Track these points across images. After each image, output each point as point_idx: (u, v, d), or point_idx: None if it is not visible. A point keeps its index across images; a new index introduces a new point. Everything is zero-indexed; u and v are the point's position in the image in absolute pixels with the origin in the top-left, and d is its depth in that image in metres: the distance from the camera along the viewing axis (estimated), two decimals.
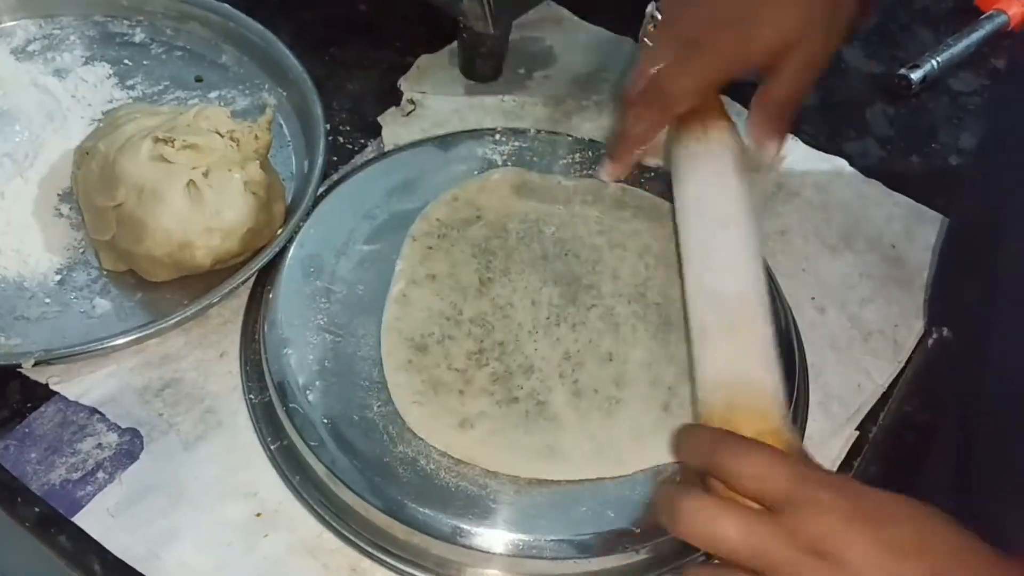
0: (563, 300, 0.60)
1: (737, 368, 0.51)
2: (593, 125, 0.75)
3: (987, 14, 0.87)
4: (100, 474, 0.54)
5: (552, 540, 0.52)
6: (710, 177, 0.59)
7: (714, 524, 0.42)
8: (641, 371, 0.58)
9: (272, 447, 0.56)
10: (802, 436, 0.59)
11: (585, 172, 0.68)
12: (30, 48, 0.74)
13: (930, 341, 0.62)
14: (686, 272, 0.56)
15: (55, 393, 0.57)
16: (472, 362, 0.57)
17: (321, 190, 0.65)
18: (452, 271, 0.61)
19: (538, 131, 0.71)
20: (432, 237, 0.63)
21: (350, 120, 0.73)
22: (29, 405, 0.56)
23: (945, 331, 0.59)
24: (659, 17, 0.63)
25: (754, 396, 0.50)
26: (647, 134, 0.63)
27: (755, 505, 0.43)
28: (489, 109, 0.75)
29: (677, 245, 0.59)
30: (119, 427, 0.56)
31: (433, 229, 0.63)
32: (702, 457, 0.46)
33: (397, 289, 0.60)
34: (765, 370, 0.51)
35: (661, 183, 0.67)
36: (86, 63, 0.73)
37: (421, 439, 0.54)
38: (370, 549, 0.52)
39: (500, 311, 0.60)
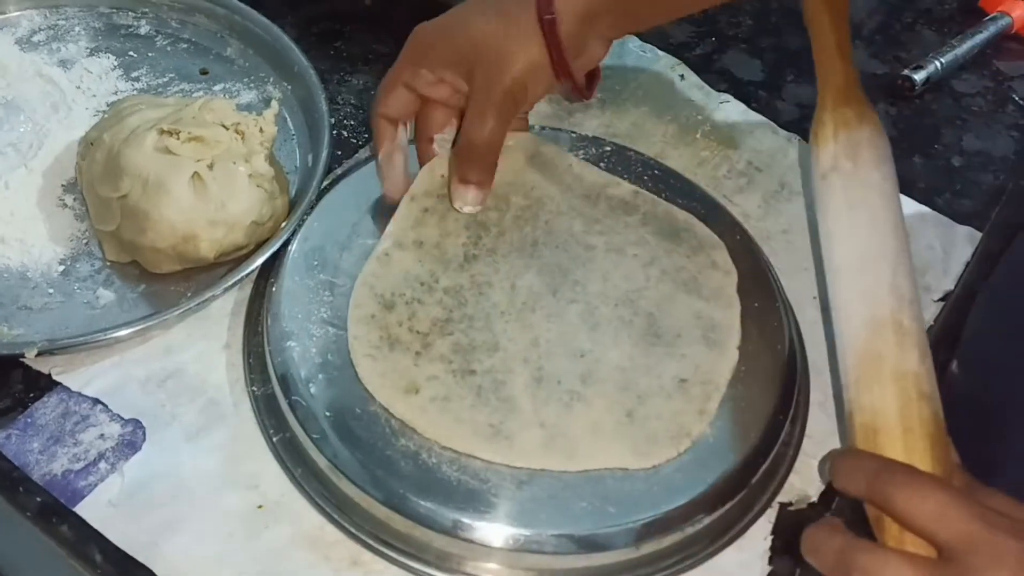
0: (544, 289, 0.60)
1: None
2: (596, 122, 0.75)
3: (991, 16, 0.87)
4: (102, 464, 0.54)
5: (553, 535, 0.52)
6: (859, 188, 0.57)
7: None
8: (613, 373, 0.57)
9: (274, 439, 0.56)
10: (802, 436, 0.59)
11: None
12: (35, 38, 0.74)
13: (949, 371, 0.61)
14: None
15: (58, 383, 0.57)
16: (436, 329, 0.57)
17: (325, 184, 0.65)
18: (440, 240, 0.61)
19: (541, 127, 0.71)
20: (431, 197, 0.63)
21: (355, 114, 0.73)
22: (31, 395, 0.56)
23: (954, 365, 0.59)
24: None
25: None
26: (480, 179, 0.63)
27: (923, 544, 0.43)
28: None
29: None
30: (121, 418, 0.56)
31: (434, 188, 0.63)
32: (869, 488, 0.44)
33: (381, 248, 0.60)
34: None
35: (675, 191, 0.67)
36: (91, 54, 0.73)
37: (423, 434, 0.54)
38: (371, 542, 0.52)
39: (477, 288, 0.59)
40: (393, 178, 0.64)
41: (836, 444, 0.59)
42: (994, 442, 0.56)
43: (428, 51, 0.62)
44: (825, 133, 0.59)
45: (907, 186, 0.74)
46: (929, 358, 0.52)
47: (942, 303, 0.67)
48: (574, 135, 0.70)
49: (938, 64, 0.82)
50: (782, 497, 0.57)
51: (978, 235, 0.71)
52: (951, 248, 0.71)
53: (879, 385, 0.50)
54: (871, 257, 0.54)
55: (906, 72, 0.81)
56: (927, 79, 0.81)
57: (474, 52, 0.60)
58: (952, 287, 0.68)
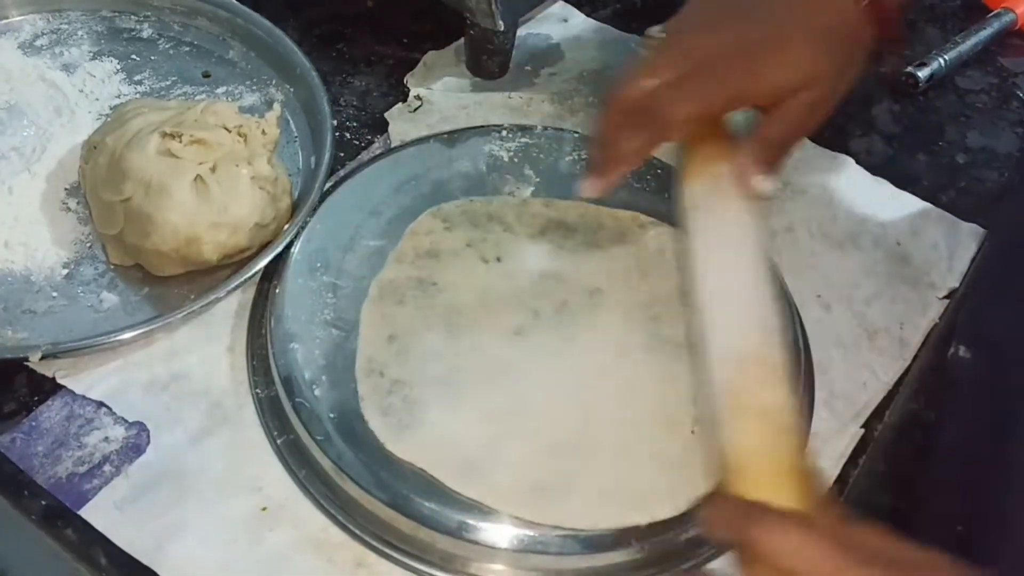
0: (550, 336, 0.59)
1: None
2: None
3: (995, 12, 0.87)
4: (106, 467, 0.54)
5: (558, 535, 0.52)
6: (723, 224, 0.56)
7: None
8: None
9: (278, 441, 0.56)
10: (808, 434, 0.59)
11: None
12: (38, 43, 0.74)
13: (949, 353, 0.61)
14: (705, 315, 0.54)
15: (62, 387, 0.57)
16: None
17: (328, 186, 0.65)
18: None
19: (544, 128, 0.71)
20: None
21: (357, 116, 0.73)
22: (36, 398, 0.57)
23: (963, 349, 0.58)
24: (661, 36, 0.59)
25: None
26: (637, 155, 0.57)
27: None
28: (496, 106, 0.75)
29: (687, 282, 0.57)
30: (126, 421, 0.56)
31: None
32: (733, 533, 0.44)
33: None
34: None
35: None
36: (93, 58, 0.73)
37: None
38: (376, 543, 0.52)
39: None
40: (612, 179, 0.58)
41: (841, 442, 0.59)
42: (1009, 420, 0.56)
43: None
44: (690, 169, 0.58)
45: (911, 183, 0.74)
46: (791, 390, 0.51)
47: (947, 301, 0.67)
48: (577, 135, 0.70)
49: (942, 61, 0.81)
50: None
51: (983, 232, 0.71)
52: (956, 246, 0.70)
53: (744, 422, 0.50)
54: (735, 292, 0.54)
55: (910, 69, 0.81)
56: (931, 76, 0.81)
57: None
58: (957, 284, 0.68)
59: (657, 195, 0.67)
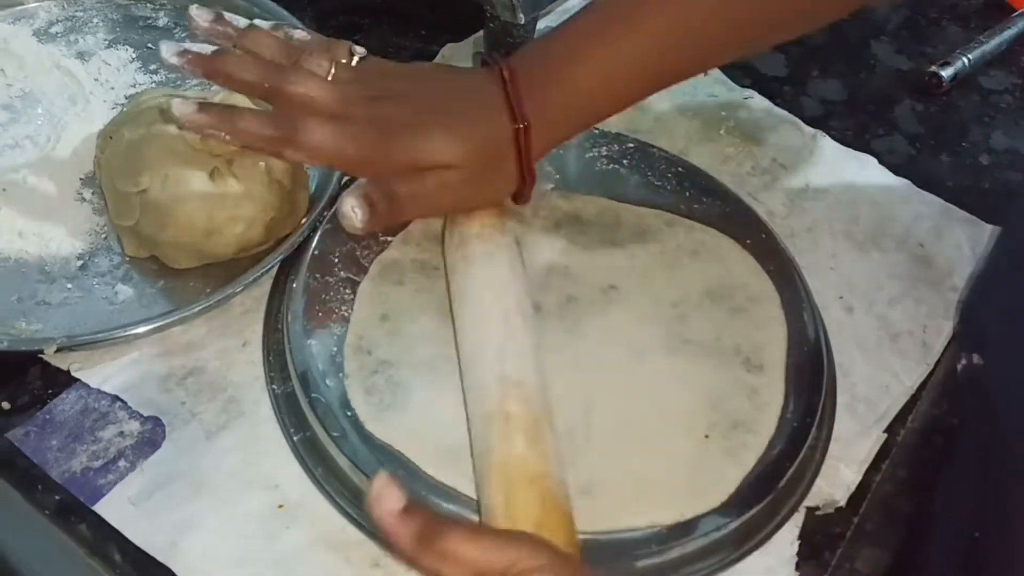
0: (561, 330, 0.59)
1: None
2: (618, 118, 0.73)
3: (1019, 12, 0.86)
4: (121, 462, 0.53)
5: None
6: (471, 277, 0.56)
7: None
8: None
9: (295, 438, 0.55)
10: (828, 439, 0.58)
11: (611, 166, 0.67)
12: (52, 30, 0.73)
13: (959, 366, 0.60)
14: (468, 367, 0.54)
15: (76, 380, 0.56)
16: None
17: (345, 179, 0.65)
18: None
19: None
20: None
21: None
22: (50, 392, 0.56)
23: (975, 357, 0.58)
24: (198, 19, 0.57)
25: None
26: (245, 140, 0.55)
27: None
28: None
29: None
30: (141, 415, 0.55)
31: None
32: (412, 549, 0.42)
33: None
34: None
35: (699, 189, 0.66)
36: (109, 46, 0.73)
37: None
38: None
39: None
40: None
41: (863, 447, 0.59)
42: (1014, 427, 0.55)
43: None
44: (448, 235, 0.59)
45: (934, 184, 0.73)
46: (544, 438, 0.50)
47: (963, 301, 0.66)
48: (596, 131, 0.69)
49: (965, 60, 0.81)
50: (809, 502, 0.56)
51: None
52: (978, 247, 0.70)
53: (488, 480, 0.49)
54: (477, 353, 0.54)
55: (933, 68, 0.80)
56: (954, 76, 0.80)
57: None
58: None
59: (679, 194, 0.66)
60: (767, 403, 0.57)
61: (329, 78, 0.54)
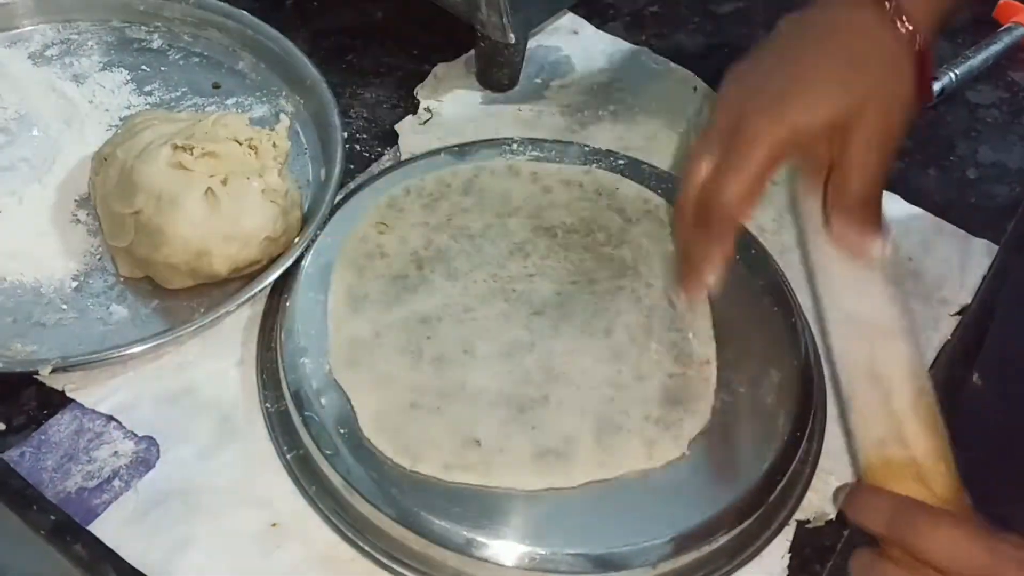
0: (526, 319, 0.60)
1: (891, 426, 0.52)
2: (610, 135, 0.74)
3: (1005, 27, 0.87)
4: (116, 482, 0.54)
5: (568, 554, 0.51)
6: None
7: None
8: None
9: (288, 456, 0.55)
10: (819, 452, 0.59)
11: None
12: (48, 53, 0.74)
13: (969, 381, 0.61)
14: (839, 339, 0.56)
15: (71, 400, 0.57)
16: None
17: (338, 198, 0.65)
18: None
19: (555, 140, 0.71)
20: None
21: (367, 128, 0.73)
22: (45, 412, 0.56)
23: (976, 377, 0.58)
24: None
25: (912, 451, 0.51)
26: (714, 257, 0.54)
27: None
28: (506, 118, 0.75)
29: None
30: (135, 435, 0.56)
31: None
32: (885, 526, 0.46)
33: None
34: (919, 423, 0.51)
35: None
36: (104, 68, 0.73)
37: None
38: (386, 560, 0.52)
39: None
40: (701, 289, 0.56)
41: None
42: (1017, 446, 0.56)
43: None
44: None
45: (922, 198, 0.74)
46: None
47: (959, 317, 0.67)
48: (587, 148, 0.70)
49: (952, 75, 0.81)
50: (800, 515, 0.56)
51: (995, 248, 0.71)
52: (967, 261, 0.70)
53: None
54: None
55: None
56: (942, 90, 0.81)
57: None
58: (969, 300, 0.68)
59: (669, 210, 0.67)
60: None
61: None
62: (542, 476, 0.53)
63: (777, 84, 0.53)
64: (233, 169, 0.60)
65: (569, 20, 0.83)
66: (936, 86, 0.80)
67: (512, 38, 0.71)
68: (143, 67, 0.74)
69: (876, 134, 0.53)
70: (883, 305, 0.54)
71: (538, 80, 0.78)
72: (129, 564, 0.51)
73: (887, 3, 0.54)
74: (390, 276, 0.61)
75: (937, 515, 0.45)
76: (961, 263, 0.70)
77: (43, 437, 0.55)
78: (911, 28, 0.53)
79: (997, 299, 0.66)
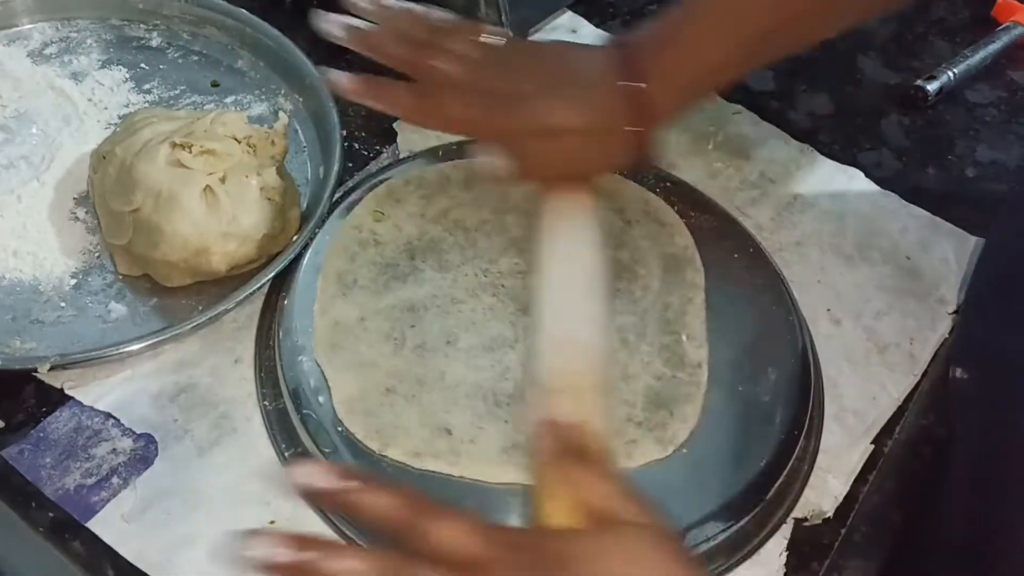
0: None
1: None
2: None
3: (1004, 26, 0.87)
4: (115, 480, 0.54)
5: None
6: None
7: None
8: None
9: (286, 454, 0.55)
10: (816, 450, 0.59)
11: None
12: (47, 51, 0.74)
13: (951, 378, 0.61)
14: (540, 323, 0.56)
15: (70, 398, 0.57)
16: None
17: (337, 196, 0.65)
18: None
19: None
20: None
21: (366, 126, 0.73)
22: (44, 409, 0.56)
23: (959, 371, 0.58)
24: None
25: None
26: (387, 106, 0.60)
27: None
28: None
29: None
30: (134, 432, 0.56)
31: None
32: (397, 520, 0.42)
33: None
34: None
35: (687, 203, 0.67)
36: (103, 66, 0.73)
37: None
38: None
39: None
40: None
41: (851, 458, 0.59)
42: (1006, 439, 0.56)
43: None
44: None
45: (921, 197, 0.74)
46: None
47: (956, 315, 0.67)
48: None
49: (951, 74, 0.81)
50: (797, 512, 0.56)
51: None
52: (965, 260, 0.70)
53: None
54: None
55: (919, 82, 0.81)
56: (940, 89, 0.81)
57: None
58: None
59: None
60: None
61: (475, 55, 0.58)
62: (510, 470, 0.53)
63: (513, 86, 0.58)
64: (232, 167, 0.60)
65: (568, 19, 0.83)
66: (935, 85, 0.80)
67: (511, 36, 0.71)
68: (142, 65, 0.74)
69: (561, 152, 0.58)
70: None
71: None
72: (127, 561, 0.51)
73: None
74: (382, 263, 0.61)
75: (442, 510, 0.42)
76: (959, 262, 0.70)
77: (42, 434, 0.55)
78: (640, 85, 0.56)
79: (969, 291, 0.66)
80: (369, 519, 0.42)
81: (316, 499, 0.44)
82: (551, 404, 0.50)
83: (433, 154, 0.69)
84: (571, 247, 0.58)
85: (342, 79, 0.59)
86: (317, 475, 0.42)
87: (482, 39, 0.59)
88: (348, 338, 0.57)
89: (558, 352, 0.53)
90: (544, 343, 0.54)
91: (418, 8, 0.61)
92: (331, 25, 0.59)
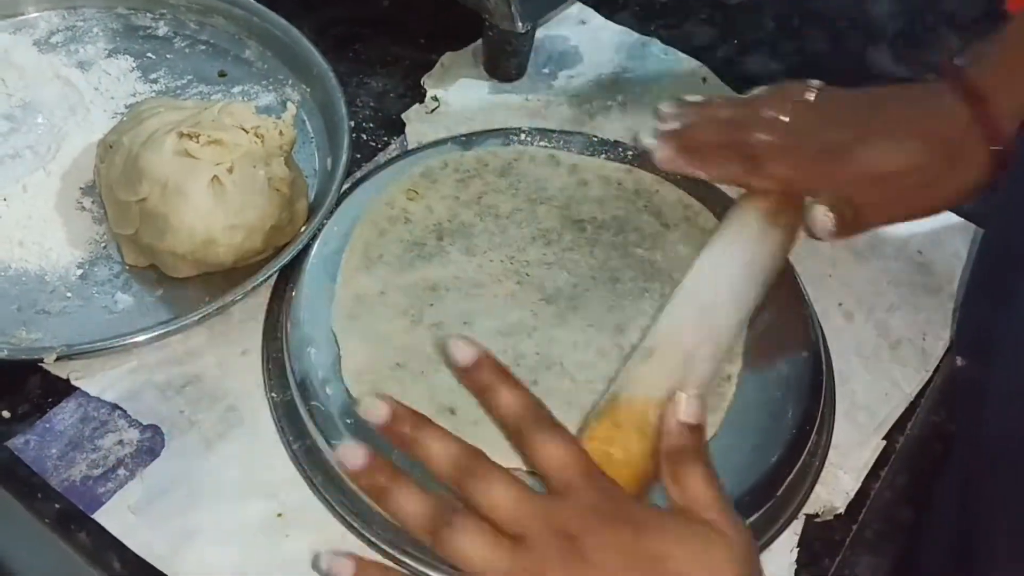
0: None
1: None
2: (618, 125, 0.74)
3: None
4: (121, 471, 0.54)
5: None
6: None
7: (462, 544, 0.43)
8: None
9: (294, 446, 0.55)
10: (828, 446, 0.59)
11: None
12: (53, 40, 0.73)
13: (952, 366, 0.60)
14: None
15: (76, 388, 0.56)
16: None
17: (344, 187, 0.65)
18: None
19: (562, 131, 0.70)
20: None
21: (374, 117, 0.73)
22: (50, 400, 0.56)
23: (959, 360, 0.58)
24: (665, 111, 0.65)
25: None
26: (716, 175, 0.64)
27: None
28: (513, 108, 0.74)
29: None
30: (140, 424, 0.55)
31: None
32: (451, 471, 0.45)
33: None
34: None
35: (697, 195, 0.66)
36: (109, 56, 0.73)
37: None
38: (392, 551, 0.52)
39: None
40: (681, 166, 0.65)
41: (862, 454, 0.59)
42: (1000, 427, 0.55)
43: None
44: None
45: None
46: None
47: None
48: (596, 139, 0.70)
49: None
50: (808, 508, 0.56)
51: None
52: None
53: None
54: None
55: (930, 76, 0.80)
56: None
57: None
58: None
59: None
60: None
61: (787, 118, 0.61)
62: (511, 454, 0.52)
63: (847, 134, 0.60)
64: (239, 158, 0.59)
65: (578, 10, 0.82)
66: None
67: (521, 27, 0.71)
68: (149, 54, 0.73)
69: (900, 193, 0.60)
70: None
71: (546, 70, 0.78)
72: (134, 553, 0.51)
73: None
74: (409, 241, 0.61)
75: (499, 472, 0.45)
76: (970, 256, 0.69)
77: (48, 425, 0.55)
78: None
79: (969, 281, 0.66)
80: (429, 464, 0.45)
81: (388, 434, 0.46)
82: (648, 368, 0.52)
83: (441, 145, 0.69)
84: (742, 242, 0.59)
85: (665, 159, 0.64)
86: (392, 413, 0.45)
87: (792, 98, 0.62)
88: (366, 311, 0.57)
89: (686, 313, 0.55)
90: (679, 299, 0.56)
91: (716, 97, 0.66)
92: (652, 139, 0.64)
